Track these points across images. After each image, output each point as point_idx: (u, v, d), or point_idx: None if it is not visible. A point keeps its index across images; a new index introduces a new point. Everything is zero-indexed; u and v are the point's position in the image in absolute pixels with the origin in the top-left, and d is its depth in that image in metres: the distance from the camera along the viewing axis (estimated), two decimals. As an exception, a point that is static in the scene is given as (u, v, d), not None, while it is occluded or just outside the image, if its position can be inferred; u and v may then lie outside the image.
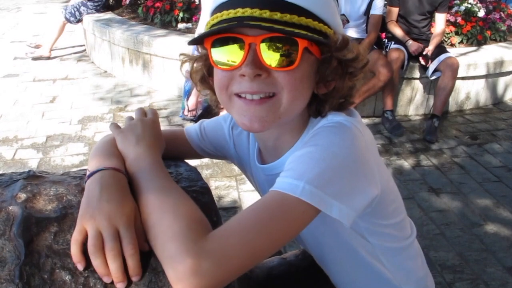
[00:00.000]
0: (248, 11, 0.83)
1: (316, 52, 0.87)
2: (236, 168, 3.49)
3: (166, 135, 1.20)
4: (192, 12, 5.42)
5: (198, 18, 4.67)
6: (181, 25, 5.36)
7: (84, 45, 6.62)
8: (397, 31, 4.48)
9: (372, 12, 4.36)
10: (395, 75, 4.25)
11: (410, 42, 4.38)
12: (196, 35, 4.36)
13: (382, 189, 0.90)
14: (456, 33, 5.14)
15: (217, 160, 3.59)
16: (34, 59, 6.14)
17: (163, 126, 4.19)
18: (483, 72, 4.72)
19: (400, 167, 3.66)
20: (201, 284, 0.70)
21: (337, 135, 0.86)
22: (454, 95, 4.71)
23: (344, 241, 1.04)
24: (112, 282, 0.76)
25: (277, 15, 0.82)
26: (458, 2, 5.37)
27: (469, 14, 5.24)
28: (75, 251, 0.77)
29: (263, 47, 0.83)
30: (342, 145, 0.84)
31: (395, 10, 4.52)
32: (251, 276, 1.32)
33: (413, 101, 4.69)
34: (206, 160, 3.60)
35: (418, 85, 4.63)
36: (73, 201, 0.88)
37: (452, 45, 5.08)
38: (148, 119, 1.03)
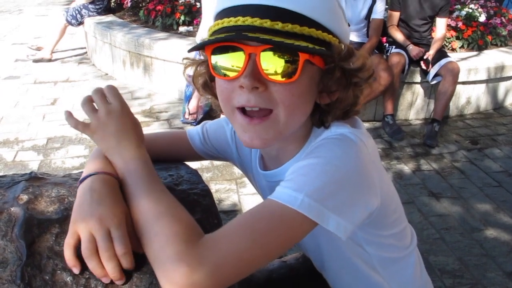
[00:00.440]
0: (248, 20, 0.80)
1: (318, 62, 0.84)
2: (236, 171, 3.50)
3: (168, 137, 1.20)
4: (193, 15, 5.43)
5: (199, 21, 4.68)
6: (182, 28, 5.37)
7: (85, 48, 6.63)
8: (398, 35, 4.49)
9: (373, 16, 4.37)
10: (396, 79, 4.26)
11: (411, 46, 4.39)
12: (197, 38, 4.37)
13: (383, 200, 0.89)
14: (457, 38, 5.15)
15: (218, 163, 3.59)
16: (35, 61, 6.15)
17: (164, 129, 4.20)
18: (483, 77, 4.73)
19: (400, 172, 3.66)
20: None
21: (341, 148, 0.84)
22: (455, 100, 4.71)
23: (339, 250, 1.03)
24: (112, 282, 0.77)
25: (278, 25, 0.79)
26: (459, 6, 5.39)
27: (470, 19, 5.25)
28: (68, 255, 0.77)
29: (263, 57, 0.80)
30: (345, 159, 0.83)
31: (396, 15, 4.54)
32: (251, 279, 1.32)
33: (413, 105, 4.70)
34: (206, 163, 3.60)
35: (418, 89, 4.63)
36: (74, 203, 0.88)
37: (453, 49, 5.09)
38: (115, 109, 0.93)
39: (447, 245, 2.79)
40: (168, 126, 4.31)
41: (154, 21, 5.60)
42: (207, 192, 1.00)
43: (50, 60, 6.19)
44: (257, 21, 0.79)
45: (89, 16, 6.12)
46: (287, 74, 0.81)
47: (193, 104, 4.26)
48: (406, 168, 3.72)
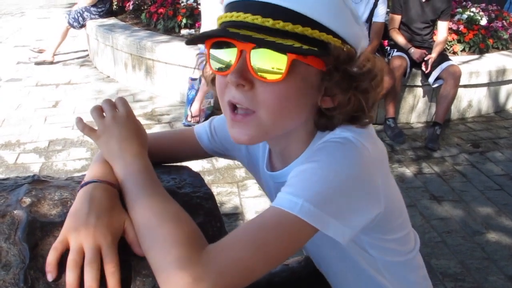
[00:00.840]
0: (241, 16, 0.79)
1: (316, 63, 0.80)
2: (238, 174, 3.50)
3: (175, 136, 1.19)
4: (195, 18, 5.43)
5: (201, 24, 4.68)
6: (184, 31, 5.38)
7: (87, 50, 6.64)
8: (400, 38, 4.49)
9: (374, 19, 4.37)
10: (397, 82, 4.25)
11: (413, 49, 4.39)
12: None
13: (387, 206, 0.88)
14: (459, 41, 5.16)
15: (219, 166, 3.60)
16: (37, 63, 6.16)
17: (165, 131, 4.20)
18: (485, 80, 4.73)
19: (402, 175, 3.66)
20: None
21: (341, 152, 0.83)
22: (456, 103, 4.71)
23: (344, 253, 1.03)
24: None
25: (269, 22, 0.77)
26: (461, 10, 5.39)
27: (471, 22, 5.25)
28: (51, 259, 0.76)
29: (253, 55, 0.78)
30: (345, 163, 0.81)
31: (398, 18, 4.54)
32: (252, 282, 1.32)
33: (415, 108, 4.70)
34: (208, 166, 3.61)
35: (420, 92, 4.63)
36: (71, 208, 0.88)
37: (454, 53, 5.09)
38: (121, 115, 0.97)
39: (448, 248, 2.78)
40: (170, 129, 4.31)
41: (156, 24, 5.60)
42: (210, 196, 1.00)
43: (52, 63, 6.20)
44: (248, 17, 0.79)
45: (91, 18, 6.13)
46: (274, 74, 0.78)
47: (195, 107, 4.27)
48: (408, 171, 3.71)
